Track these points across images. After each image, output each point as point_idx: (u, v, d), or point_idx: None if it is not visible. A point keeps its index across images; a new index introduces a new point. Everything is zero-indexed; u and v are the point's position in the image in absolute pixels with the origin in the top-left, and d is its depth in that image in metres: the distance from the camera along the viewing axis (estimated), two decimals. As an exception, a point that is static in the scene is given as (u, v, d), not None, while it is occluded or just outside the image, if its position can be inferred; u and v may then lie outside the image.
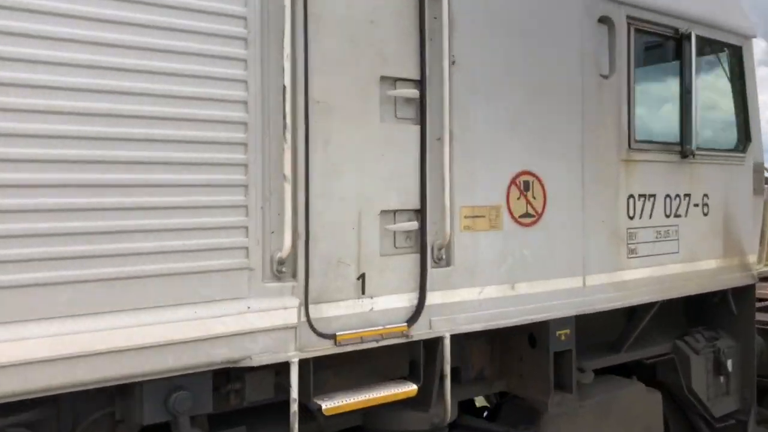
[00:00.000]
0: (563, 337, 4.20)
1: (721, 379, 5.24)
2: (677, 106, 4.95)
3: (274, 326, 3.09)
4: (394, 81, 3.55)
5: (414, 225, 3.61)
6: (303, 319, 3.19)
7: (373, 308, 3.46)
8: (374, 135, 3.46)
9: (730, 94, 5.34)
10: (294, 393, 3.14)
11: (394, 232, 3.58)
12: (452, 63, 3.71)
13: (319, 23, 3.26)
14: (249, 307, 3.02)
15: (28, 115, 2.49)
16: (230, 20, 2.96)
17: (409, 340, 3.56)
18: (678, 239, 4.92)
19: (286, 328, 3.13)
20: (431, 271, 3.66)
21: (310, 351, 3.21)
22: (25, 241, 2.48)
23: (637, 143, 4.69)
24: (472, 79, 3.83)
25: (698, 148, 4.89)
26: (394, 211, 3.57)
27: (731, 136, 5.38)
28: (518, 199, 4.04)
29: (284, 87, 3.08)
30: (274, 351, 3.09)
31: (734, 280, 5.32)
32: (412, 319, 3.57)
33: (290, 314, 3.13)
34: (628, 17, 4.54)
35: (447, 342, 3.67)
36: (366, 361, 3.62)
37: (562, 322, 4.21)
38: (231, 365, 3.02)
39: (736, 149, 5.41)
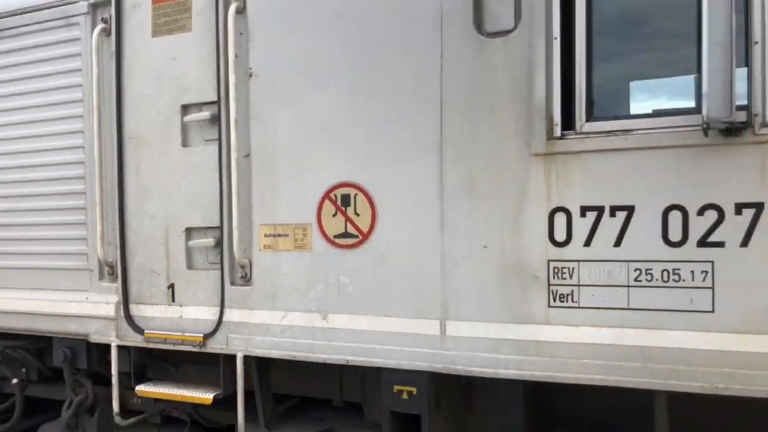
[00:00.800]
0: (405, 395, 3.23)
1: None
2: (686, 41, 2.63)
3: (101, 315, 4.18)
4: (199, 106, 3.79)
5: (210, 242, 3.80)
6: (122, 314, 4.08)
7: (182, 316, 3.94)
8: (177, 159, 3.86)
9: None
10: (114, 371, 4.08)
11: (207, 249, 3.86)
12: (249, 76, 3.60)
13: (132, 72, 4.02)
14: (87, 298, 4.26)
15: None
16: (71, 90, 4.20)
17: (203, 350, 3.81)
18: (713, 287, 2.68)
19: (108, 318, 4.15)
20: (229, 289, 3.73)
21: (126, 341, 4.11)
22: None
23: (590, 122, 2.91)
24: (273, 90, 3.58)
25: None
26: (206, 228, 3.83)
27: None
28: (334, 216, 3.40)
29: (98, 130, 4.05)
30: (102, 334, 4.20)
31: None
32: (211, 333, 3.78)
33: (111, 308, 4.14)
34: None
35: (239, 361, 3.66)
36: (200, 365, 4.01)
37: (406, 376, 3.23)
38: (80, 338, 4.25)
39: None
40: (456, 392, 3.45)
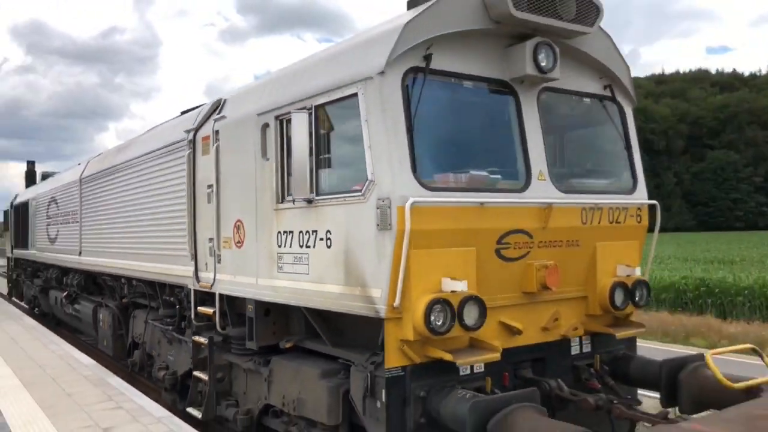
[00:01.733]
0: (250, 307, 6.29)
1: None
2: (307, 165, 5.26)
3: (189, 275, 7.57)
4: (210, 186, 7.08)
5: (211, 245, 7.11)
6: (194, 276, 7.48)
7: (206, 277, 7.21)
8: (204, 209, 7.29)
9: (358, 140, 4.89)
10: (192, 300, 7.57)
11: (211, 247, 7.12)
12: (218, 176, 7.01)
13: (197, 170, 7.46)
14: (185, 266, 7.71)
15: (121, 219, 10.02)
16: (178, 186, 7.96)
17: (209, 291, 7.09)
18: (308, 264, 5.45)
19: (191, 277, 7.54)
20: (216, 265, 6.98)
21: (195, 287, 7.50)
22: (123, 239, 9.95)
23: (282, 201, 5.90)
24: (225, 180, 6.84)
25: (320, 195, 5.28)
26: (210, 239, 7.10)
27: (356, 177, 4.89)
28: (236, 233, 6.58)
29: (188, 197, 7.73)
30: (189, 284, 7.64)
31: (355, 308, 4.84)
32: (211, 285, 7.03)
33: (191, 273, 7.53)
34: (276, 117, 5.82)
35: (217, 295, 6.94)
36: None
37: (250, 300, 6.28)
38: (183, 284, 7.91)
39: (355, 191, 4.84)
40: (271, 310, 6.26)
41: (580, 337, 5.71)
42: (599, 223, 5.63)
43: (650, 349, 11.52)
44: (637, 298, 5.69)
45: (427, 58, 4.77)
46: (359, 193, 4.76)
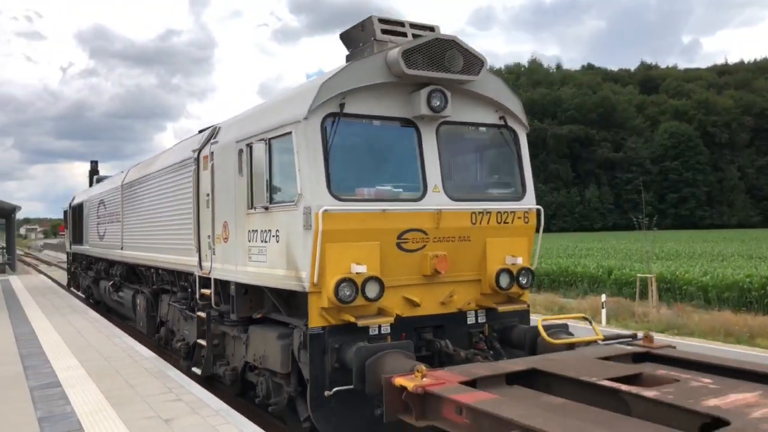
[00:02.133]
0: (232, 287, 7.80)
1: None
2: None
3: (194, 265, 9.10)
4: (208, 195, 8.63)
5: (209, 240, 8.60)
6: (198, 265, 8.97)
7: (206, 266, 8.66)
8: (205, 213, 8.84)
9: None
10: (198, 284, 9.05)
11: (208, 242, 8.61)
12: (213, 186, 8.53)
13: (200, 182, 9.00)
14: (191, 259, 9.26)
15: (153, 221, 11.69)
16: (186, 190, 9.63)
17: (207, 276, 8.58)
18: (266, 254, 7.01)
19: (195, 266, 9.05)
20: (212, 257, 8.46)
21: (198, 273, 8.98)
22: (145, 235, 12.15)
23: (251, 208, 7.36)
24: (219, 189, 8.31)
25: (273, 203, 6.86)
26: (208, 235, 8.64)
27: (293, 191, 6.54)
28: (224, 230, 8.09)
29: (194, 203, 9.26)
30: (194, 272, 9.17)
31: (292, 286, 6.55)
32: (209, 271, 8.53)
33: (196, 262, 9.08)
34: (246, 144, 7.34)
35: (213, 279, 8.40)
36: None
37: (234, 283, 7.74)
38: (190, 271, 9.44)
39: (291, 201, 6.53)
40: (248, 289, 7.66)
41: (476, 311, 7.19)
42: (488, 223, 7.13)
43: (713, 349, 11.16)
44: (523, 282, 7.22)
45: (342, 105, 6.45)
46: (293, 203, 6.44)
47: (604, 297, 16.07)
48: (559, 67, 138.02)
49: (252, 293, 7.65)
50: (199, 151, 8.99)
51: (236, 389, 8.47)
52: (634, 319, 15.39)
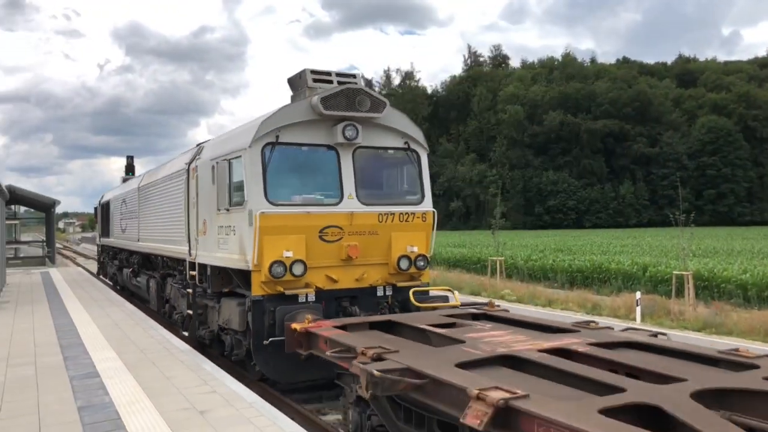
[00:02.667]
0: (209, 271, 10.10)
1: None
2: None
3: (185, 252, 11.37)
4: (195, 199, 10.84)
5: (195, 233, 10.81)
6: (188, 253, 11.17)
7: (193, 253, 10.86)
8: (192, 213, 11.14)
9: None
10: (188, 268, 11.18)
11: (195, 235, 10.88)
12: (197, 191, 10.82)
13: (191, 189, 11.16)
14: (184, 247, 11.42)
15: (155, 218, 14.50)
16: (181, 194, 11.91)
17: (193, 261, 10.78)
18: (228, 244, 9.35)
19: (185, 253, 11.35)
20: (196, 246, 10.73)
21: (189, 259, 11.11)
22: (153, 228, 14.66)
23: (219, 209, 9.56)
24: (202, 195, 10.46)
25: (231, 206, 9.22)
26: (196, 229, 10.80)
27: (241, 199, 9.06)
28: (204, 225, 10.31)
29: (184, 204, 11.62)
30: (186, 258, 11.32)
31: (242, 266, 8.90)
32: (194, 257, 10.75)
33: (186, 251, 11.28)
34: (216, 162, 9.48)
35: (197, 263, 10.63)
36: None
37: (208, 265, 10.16)
38: (183, 258, 11.63)
39: (242, 205, 8.93)
40: (220, 270, 9.84)
41: (384, 286, 9.45)
42: (392, 221, 9.46)
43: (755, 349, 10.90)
44: (419, 265, 9.57)
45: (277, 137, 8.84)
46: (243, 207, 8.86)
47: (638, 294, 15.82)
48: (593, 60, 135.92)
49: (222, 273, 9.88)
50: (189, 164, 11.29)
51: (216, 349, 10.50)
52: (670, 317, 15.11)
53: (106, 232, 23.45)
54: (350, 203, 9.18)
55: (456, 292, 10.06)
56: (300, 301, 8.66)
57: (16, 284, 22.36)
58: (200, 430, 6.01)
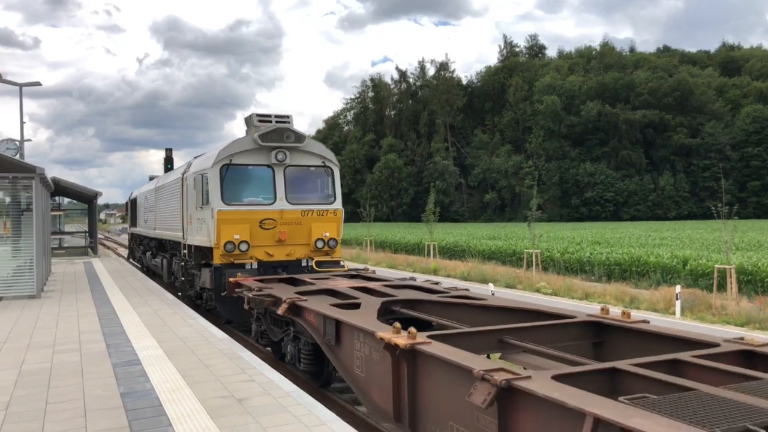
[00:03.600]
0: (187, 251, 15.25)
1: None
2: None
3: (180, 237, 15.98)
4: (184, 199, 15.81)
5: (186, 222, 15.46)
6: (182, 236, 15.75)
7: (186, 237, 15.36)
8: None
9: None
10: (184, 249, 15.74)
11: (185, 223, 15.52)
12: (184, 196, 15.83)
13: (185, 190, 15.67)
14: (180, 233, 16.00)
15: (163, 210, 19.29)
16: (179, 195, 16.34)
17: (185, 243, 15.43)
18: (202, 231, 13.77)
19: (181, 237, 15.90)
20: (187, 233, 15.25)
21: (183, 242, 15.83)
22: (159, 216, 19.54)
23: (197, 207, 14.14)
24: (187, 203, 15.33)
25: (203, 206, 13.50)
26: (188, 219, 15.13)
27: (208, 201, 13.48)
28: (190, 218, 14.74)
29: (180, 201, 16.07)
30: (182, 241, 15.99)
31: (207, 244, 13.29)
32: (186, 240, 15.42)
33: (181, 235, 16.00)
34: (197, 174, 14.10)
35: (187, 244, 15.31)
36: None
37: (192, 245, 14.87)
38: (180, 240, 16.47)
39: (208, 205, 13.29)
40: (201, 249, 14.14)
41: (306, 259, 13.44)
42: (312, 216, 13.47)
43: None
44: (331, 245, 13.55)
45: (231, 160, 13.02)
46: (209, 206, 13.00)
47: (678, 288, 15.52)
48: (632, 49, 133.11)
49: (201, 251, 14.06)
50: (183, 174, 15.89)
51: (203, 305, 14.83)
52: (711, 311, 14.79)
53: (134, 222, 28.33)
54: (281, 203, 13.33)
55: (346, 263, 14.47)
56: (246, 268, 12.75)
57: (60, 274, 23.02)
58: (239, 417, 6.12)
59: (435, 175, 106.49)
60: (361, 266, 16.21)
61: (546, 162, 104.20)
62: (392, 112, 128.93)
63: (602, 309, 6.62)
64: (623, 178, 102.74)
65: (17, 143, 28.56)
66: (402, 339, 5.39)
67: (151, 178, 25.97)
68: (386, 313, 7.64)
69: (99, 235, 47.61)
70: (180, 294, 16.20)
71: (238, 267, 12.64)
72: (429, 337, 5.53)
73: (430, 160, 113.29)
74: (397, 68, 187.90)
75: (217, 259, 12.82)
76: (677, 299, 15.04)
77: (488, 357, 5.80)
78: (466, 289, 9.14)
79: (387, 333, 5.67)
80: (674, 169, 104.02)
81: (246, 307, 10.04)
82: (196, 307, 14.63)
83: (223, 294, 12.17)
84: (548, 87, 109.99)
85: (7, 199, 16.21)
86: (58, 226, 44.59)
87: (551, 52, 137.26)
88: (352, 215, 43.89)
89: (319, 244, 13.48)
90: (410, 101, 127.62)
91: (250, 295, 9.62)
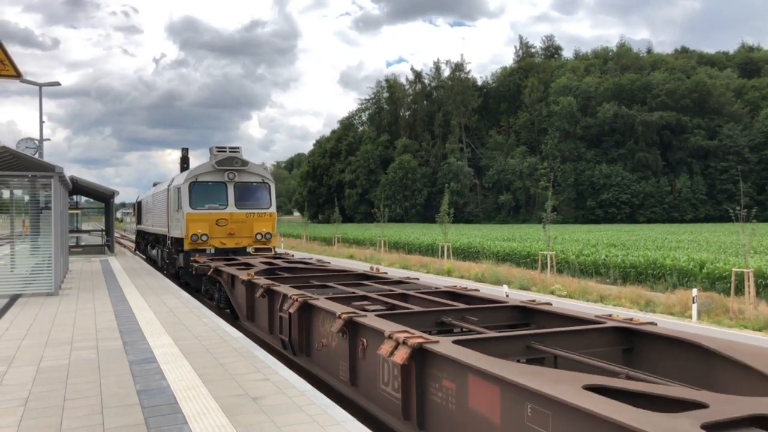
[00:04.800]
0: (170, 242, 22.07)
1: None
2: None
3: (166, 232, 22.84)
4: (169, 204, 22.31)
5: (171, 220, 22.16)
6: (167, 231, 22.96)
7: (170, 232, 22.22)
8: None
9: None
10: (169, 242, 22.58)
11: (170, 219, 22.20)
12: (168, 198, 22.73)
13: (167, 204, 22.57)
14: (165, 229, 23.11)
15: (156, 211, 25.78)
16: (166, 201, 22.95)
17: (171, 237, 21.83)
18: (178, 226, 20.38)
19: (167, 232, 22.57)
20: (170, 228, 21.99)
21: (169, 235, 22.71)
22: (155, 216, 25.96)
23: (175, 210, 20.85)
24: (170, 207, 22.13)
25: (178, 209, 20.25)
26: (174, 218, 21.33)
27: (181, 206, 20.05)
28: (171, 218, 21.49)
29: (167, 207, 23.15)
30: (168, 234, 23.06)
31: (181, 236, 19.77)
32: (169, 233, 22.60)
33: (166, 231, 23.08)
34: (173, 188, 21.26)
35: (171, 237, 21.92)
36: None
37: (172, 237, 21.86)
38: (166, 235, 23.79)
39: (182, 209, 20.03)
40: (180, 240, 20.06)
41: (249, 247, 19.46)
42: (254, 217, 19.46)
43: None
44: (267, 237, 19.58)
45: (197, 179, 19.29)
46: (182, 210, 19.27)
47: (695, 291, 15.38)
48: (649, 51, 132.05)
49: (179, 241, 19.45)
50: (168, 186, 21.78)
51: (180, 279, 20.21)
52: (728, 315, 14.64)
53: (139, 221, 36.07)
54: (231, 208, 19.33)
55: (275, 248, 20.53)
56: (206, 253, 18.69)
57: (77, 272, 23.28)
58: (254, 416, 6.16)
59: (449, 176, 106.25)
60: (367, 266, 19.99)
61: (561, 163, 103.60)
62: (407, 113, 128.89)
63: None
64: (639, 180, 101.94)
65: (36, 142, 28.94)
66: (244, 275, 12.07)
67: (155, 185, 30.96)
68: (268, 273, 13.36)
69: (116, 234, 48.03)
70: (166, 272, 23.22)
71: (201, 252, 18.74)
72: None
73: (445, 161, 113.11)
74: (412, 69, 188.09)
75: (186, 246, 18.88)
76: (694, 302, 14.91)
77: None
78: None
79: (244, 275, 12.15)
80: (691, 171, 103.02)
81: (192, 272, 17.22)
82: (178, 280, 20.59)
83: (189, 270, 17.78)
84: (564, 88, 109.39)
85: (26, 198, 16.42)
86: (76, 224, 45.04)
87: (567, 53, 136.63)
88: (366, 216, 43.94)
89: (258, 237, 19.59)
90: (425, 102, 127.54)
91: (196, 265, 16.55)
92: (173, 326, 11.30)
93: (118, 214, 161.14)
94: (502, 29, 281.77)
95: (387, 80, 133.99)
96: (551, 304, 7.80)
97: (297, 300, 8.52)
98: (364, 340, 6.69)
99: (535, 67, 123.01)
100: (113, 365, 8.33)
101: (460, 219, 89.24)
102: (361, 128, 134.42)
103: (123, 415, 6.20)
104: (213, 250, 18.78)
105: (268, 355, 9.08)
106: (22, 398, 6.83)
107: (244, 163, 19.67)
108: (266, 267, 13.86)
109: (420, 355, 5.53)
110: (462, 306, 8.05)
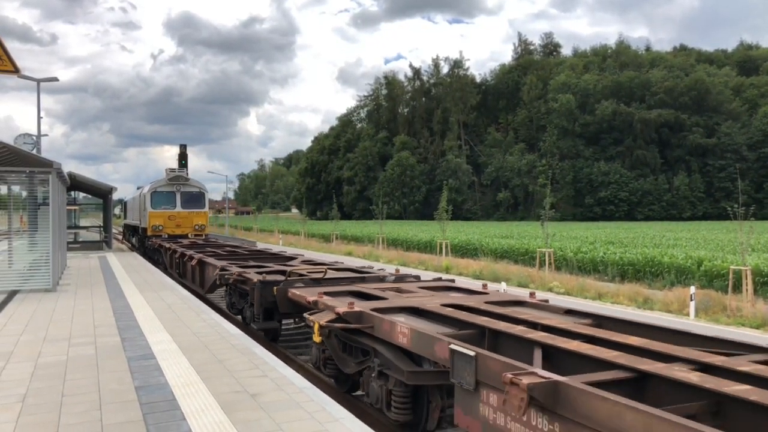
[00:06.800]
0: (143, 230, 32.50)
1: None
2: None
3: (139, 224, 35.59)
4: (142, 203, 33.17)
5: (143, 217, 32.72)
6: (140, 223, 34.72)
7: (142, 224, 33.08)
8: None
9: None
10: (140, 230, 34.20)
11: (143, 217, 33.03)
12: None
13: (142, 204, 32.90)
14: (139, 222, 35.31)
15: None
16: (140, 202, 33.39)
17: (143, 227, 32.84)
18: (144, 221, 31.65)
19: (140, 224, 34.79)
20: (143, 222, 32.72)
21: (141, 226, 34.32)
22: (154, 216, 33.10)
23: (143, 210, 31.88)
24: (144, 206, 31.87)
25: (144, 209, 31.95)
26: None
27: (146, 207, 31.57)
28: (143, 214, 32.38)
29: (140, 207, 33.67)
30: (142, 225, 33.95)
31: (145, 227, 31.01)
32: (141, 225, 33.99)
33: (139, 223, 34.54)
34: (147, 192, 30.91)
35: (142, 228, 33.05)
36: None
37: (144, 227, 32.03)
38: (139, 226, 35.38)
39: (146, 209, 31.21)
40: (149, 229, 30.42)
41: (191, 234, 29.53)
42: (192, 214, 30.12)
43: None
44: (202, 228, 29.95)
45: (156, 189, 29.91)
46: (146, 210, 30.06)
47: (693, 289, 15.40)
48: (648, 48, 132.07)
49: (145, 230, 29.86)
50: (141, 190, 32.29)
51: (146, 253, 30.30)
52: (726, 313, 14.67)
53: (125, 216, 46.06)
54: (178, 209, 29.12)
55: (207, 234, 30.08)
56: (162, 237, 27.26)
57: (75, 268, 23.26)
58: (252, 412, 6.16)
59: (448, 173, 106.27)
60: (365, 263, 21.91)
61: (560, 161, 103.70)
62: (405, 110, 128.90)
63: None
64: (637, 177, 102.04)
65: (34, 138, 28.90)
66: (178, 247, 21.42)
67: (138, 188, 39.20)
68: (196, 247, 20.99)
69: (114, 230, 48.10)
70: (137, 248, 33.93)
71: (158, 237, 27.66)
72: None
73: (443, 158, 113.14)
74: (410, 66, 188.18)
75: (149, 233, 28.91)
76: (692, 300, 14.92)
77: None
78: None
79: (177, 247, 21.23)
80: (689, 169, 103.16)
81: (152, 248, 27.16)
82: (146, 256, 29.35)
83: (150, 247, 28.13)
84: (563, 85, 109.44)
85: (24, 194, 16.39)
86: (74, 220, 45.01)
87: (566, 51, 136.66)
88: (364, 212, 44.30)
89: (197, 227, 29.42)
90: (423, 99, 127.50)
91: (165, 244, 23.43)
92: (171, 323, 11.30)
93: (116, 210, 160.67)
94: (500, 26, 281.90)
95: (385, 77, 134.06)
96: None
97: (195, 257, 16.54)
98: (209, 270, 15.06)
99: (534, 64, 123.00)
100: (111, 361, 8.32)
101: (458, 216, 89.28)
102: (359, 125, 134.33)
103: (121, 411, 6.19)
104: (166, 236, 28.25)
105: (266, 351, 9.08)
106: (20, 394, 6.82)
107: (187, 179, 30.22)
108: (194, 244, 23.38)
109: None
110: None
